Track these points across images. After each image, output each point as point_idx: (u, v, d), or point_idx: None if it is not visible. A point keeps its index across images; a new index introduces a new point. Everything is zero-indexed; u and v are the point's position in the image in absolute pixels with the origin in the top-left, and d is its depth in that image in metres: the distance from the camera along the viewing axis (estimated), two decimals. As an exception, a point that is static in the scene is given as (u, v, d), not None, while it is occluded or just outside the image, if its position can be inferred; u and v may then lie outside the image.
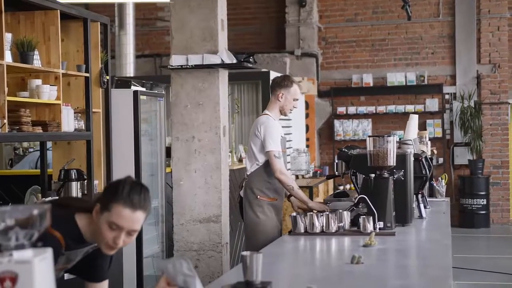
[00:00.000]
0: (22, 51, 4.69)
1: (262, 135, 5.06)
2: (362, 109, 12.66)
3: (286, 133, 9.90)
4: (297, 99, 5.28)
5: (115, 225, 2.51)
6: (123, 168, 6.02)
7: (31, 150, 8.37)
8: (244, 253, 2.69)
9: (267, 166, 5.09)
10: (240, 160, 7.91)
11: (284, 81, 5.24)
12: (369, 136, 4.38)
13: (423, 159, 4.98)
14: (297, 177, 10.08)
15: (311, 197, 8.84)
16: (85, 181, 5.42)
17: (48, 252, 1.76)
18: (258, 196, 5.11)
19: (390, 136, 4.33)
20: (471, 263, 9.00)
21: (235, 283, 2.71)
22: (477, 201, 12.06)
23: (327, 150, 12.88)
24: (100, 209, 2.55)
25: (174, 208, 5.62)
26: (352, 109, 12.70)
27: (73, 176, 5.28)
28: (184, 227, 5.62)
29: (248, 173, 5.20)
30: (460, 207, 12.24)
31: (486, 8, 12.38)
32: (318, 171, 10.82)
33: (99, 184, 5.68)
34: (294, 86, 5.23)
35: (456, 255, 9.13)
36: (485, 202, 12.08)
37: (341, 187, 12.09)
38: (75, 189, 5.28)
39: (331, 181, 10.95)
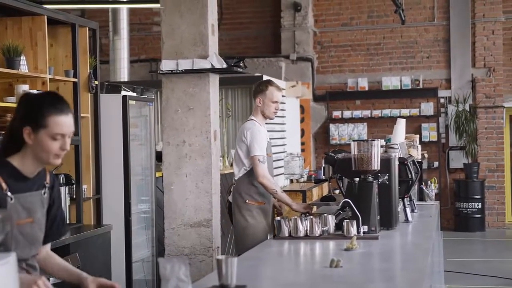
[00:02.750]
0: (8, 57, 4.71)
1: (248, 140, 5.16)
2: (358, 113, 12.68)
3: (281, 137, 9.96)
4: (276, 101, 5.32)
5: (58, 135, 2.63)
6: (112, 173, 6.04)
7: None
8: (219, 257, 2.70)
9: None
10: (232, 165, 7.92)
11: (259, 86, 5.34)
12: (354, 140, 4.39)
13: (410, 163, 4.98)
14: (291, 181, 10.09)
15: (304, 201, 8.85)
16: (73, 185, 5.43)
17: (12, 257, 1.78)
18: (247, 201, 5.21)
19: (374, 140, 4.35)
20: (466, 267, 9.00)
21: (210, 287, 2.73)
22: (472, 205, 12.06)
23: (322, 154, 12.86)
24: (32, 130, 2.62)
25: (165, 213, 5.63)
26: (347, 113, 12.72)
27: (61, 181, 5.29)
28: (175, 231, 5.62)
29: (236, 178, 5.30)
30: (455, 211, 12.24)
31: (480, 12, 12.40)
32: (313, 175, 10.83)
33: (87, 189, 5.69)
34: (270, 89, 5.29)
35: (450, 259, 9.14)
36: (480, 206, 12.08)
37: (337, 191, 12.10)
38: (63, 194, 5.30)
39: (325, 185, 10.96)
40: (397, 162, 4.62)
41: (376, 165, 4.32)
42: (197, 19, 5.63)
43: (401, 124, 5.44)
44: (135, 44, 12.99)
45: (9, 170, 2.64)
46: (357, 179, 4.33)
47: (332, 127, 12.75)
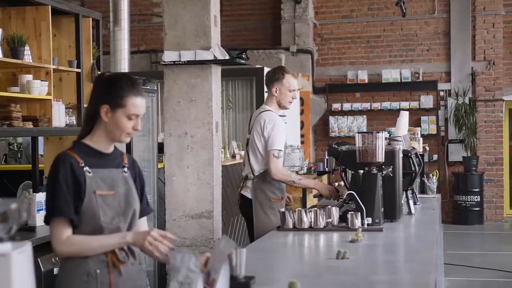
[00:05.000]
0: (13, 47, 4.70)
1: (267, 133, 4.93)
2: (357, 106, 12.69)
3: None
4: (293, 90, 5.09)
5: (133, 115, 2.78)
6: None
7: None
8: (228, 248, 2.70)
9: None
10: (233, 156, 7.93)
11: (275, 74, 5.09)
12: (358, 132, 4.39)
13: (413, 156, 4.99)
14: (291, 173, 10.08)
15: (304, 193, 8.84)
16: (77, 176, 5.42)
17: (27, 246, 1.78)
18: (271, 199, 5.01)
19: (379, 132, 4.35)
20: (465, 260, 9.03)
21: (219, 278, 2.73)
22: (471, 198, 12.09)
23: (322, 146, 12.90)
24: (110, 108, 2.77)
25: (167, 204, 5.63)
26: (347, 106, 12.73)
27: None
28: (176, 222, 5.63)
29: (255, 174, 5.06)
30: (454, 204, 12.27)
31: (481, 5, 12.40)
32: (313, 167, 10.84)
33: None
34: (287, 77, 5.07)
35: (449, 252, 9.16)
36: (479, 199, 12.11)
37: (336, 183, 12.10)
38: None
39: (325, 177, 10.97)
40: (401, 155, 4.62)
41: (380, 157, 4.32)
42: (199, 10, 5.63)
43: (404, 117, 5.44)
44: (135, 35, 12.96)
45: (83, 148, 2.81)
46: (361, 171, 4.34)
47: (331, 119, 12.76)
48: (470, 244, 10.65)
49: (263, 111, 5.11)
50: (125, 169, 2.89)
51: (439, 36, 12.60)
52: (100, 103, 2.79)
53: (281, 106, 5.13)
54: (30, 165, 5.61)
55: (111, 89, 2.79)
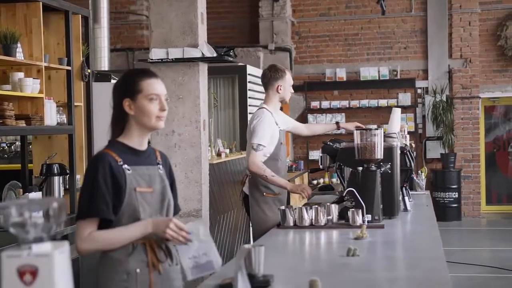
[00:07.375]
0: (5, 44, 4.61)
1: (253, 127, 5.03)
2: (336, 104, 12.72)
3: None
4: (291, 84, 5.30)
5: (153, 95, 2.76)
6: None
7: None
8: (247, 246, 2.68)
9: (270, 162, 5.03)
10: (219, 155, 7.89)
11: (278, 73, 5.20)
12: (357, 129, 4.38)
13: (407, 152, 5.01)
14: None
15: (287, 194, 8.80)
16: (67, 175, 5.35)
17: (66, 246, 1.74)
18: (264, 193, 5.07)
19: (377, 129, 4.35)
20: (445, 256, 9.09)
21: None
22: (449, 194, 12.19)
23: (300, 144, 12.92)
24: (131, 99, 2.77)
25: (155, 203, 5.57)
26: (325, 104, 12.75)
27: (55, 171, 5.21)
28: (164, 221, 5.58)
29: (251, 170, 5.06)
30: (432, 200, 12.31)
31: (457, 3, 12.51)
32: (293, 166, 10.86)
33: (81, 179, 5.61)
34: (288, 74, 5.25)
35: (430, 248, 9.23)
36: (456, 195, 12.22)
37: (315, 182, 12.13)
38: (57, 184, 5.22)
39: (305, 175, 11.00)
40: (398, 151, 4.64)
41: (379, 154, 4.32)
42: (186, 8, 5.60)
43: (396, 114, 5.45)
44: (112, 33, 12.78)
45: (119, 146, 2.78)
46: (360, 168, 4.33)
47: (310, 117, 12.77)
48: (449, 240, 10.72)
49: (258, 109, 5.23)
50: (160, 166, 2.87)
51: (416, 34, 12.68)
52: (121, 101, 2.78)
53: (283, 102, 5.29)
54: (19, 165, 5.51)
55: (125, 84, 2.81)
